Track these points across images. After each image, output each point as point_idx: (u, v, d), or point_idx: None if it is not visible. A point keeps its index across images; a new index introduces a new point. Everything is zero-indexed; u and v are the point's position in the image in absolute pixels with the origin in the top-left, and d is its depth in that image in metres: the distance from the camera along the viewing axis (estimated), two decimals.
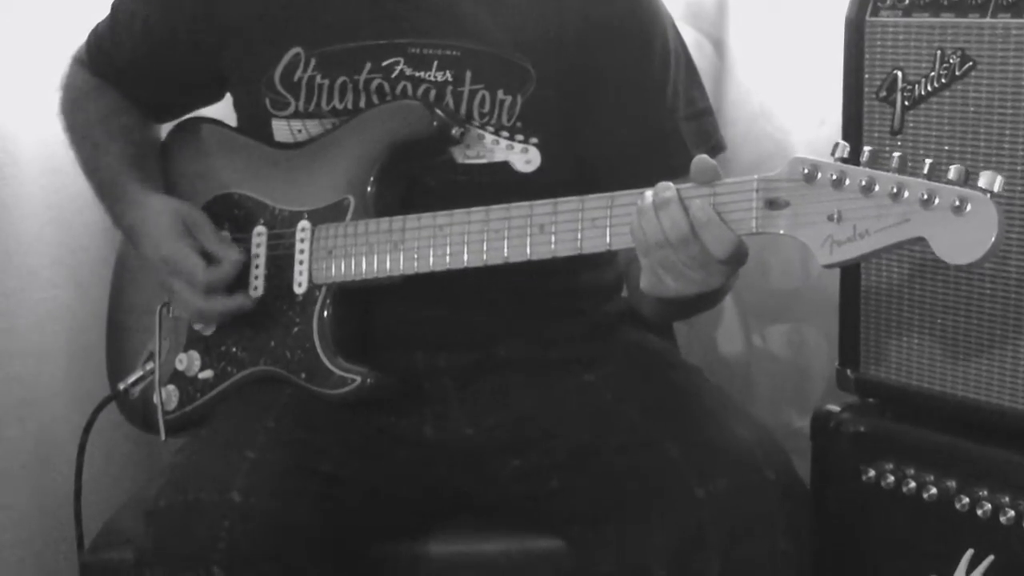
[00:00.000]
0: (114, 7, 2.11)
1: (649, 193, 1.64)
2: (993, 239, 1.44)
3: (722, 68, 2.36)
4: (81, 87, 2.13)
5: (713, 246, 1.60)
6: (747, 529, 1.71)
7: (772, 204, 1.57)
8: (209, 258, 1.93)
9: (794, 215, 1.56)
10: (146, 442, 2.30)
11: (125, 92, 2.11)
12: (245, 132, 2.03)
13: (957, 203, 1.45)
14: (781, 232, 1.57)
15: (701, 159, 1.62)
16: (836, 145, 1.54)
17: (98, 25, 2.14)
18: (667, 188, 1.64)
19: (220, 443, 1.84)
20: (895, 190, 1.48)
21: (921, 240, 1.48)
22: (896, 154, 1.51)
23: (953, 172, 1.46)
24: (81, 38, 2.16)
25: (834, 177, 1.52)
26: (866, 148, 1.52)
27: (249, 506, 1.72)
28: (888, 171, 1.50)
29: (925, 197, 1.47)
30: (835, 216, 1.52)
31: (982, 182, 1.45)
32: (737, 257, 1.62)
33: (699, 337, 2.38)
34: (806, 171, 1.54)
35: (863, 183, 1.50)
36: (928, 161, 1.49)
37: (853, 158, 1.53)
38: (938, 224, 1.46)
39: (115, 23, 2.11)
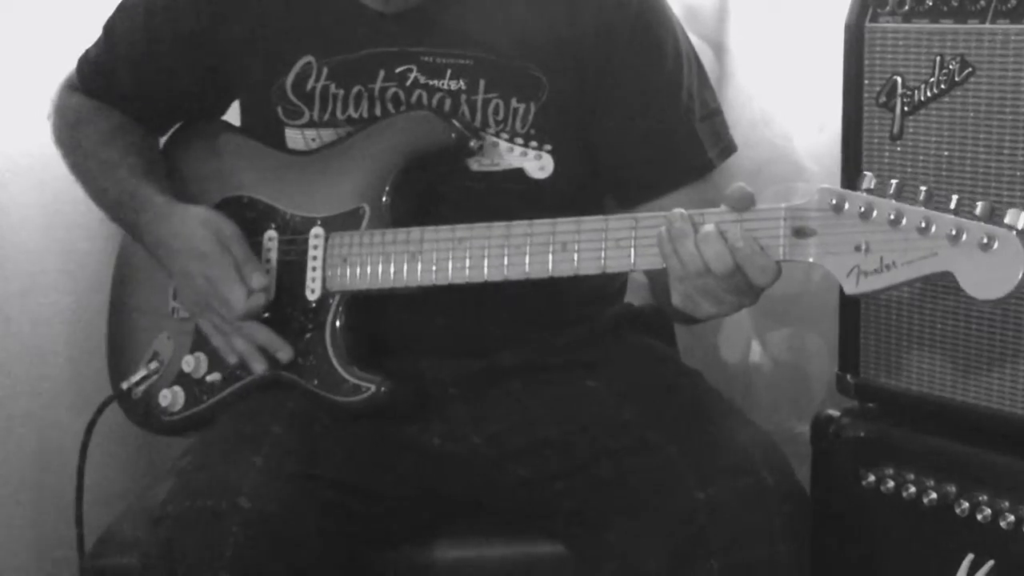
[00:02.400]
0: (108, 29, 2.07)
1: (680, 223, 1.63)
2: (1020, 276, 1.46)
3: (722, 73, 2.34)
4: (79, 110, 2.08)
5: (756, 276, 1.61)
6: (747, 533, 1.72)
7: (799, 233, 1.58)
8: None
9: (821, 244, 1.57)
10: (148, 444, 2.29)
11: (126, 111, 2.07)
12: (254, 136, 2.01)
13: (985, 240, 1.47)
14: (810, 260, 1.58)
15: (739, 187, 1.62)
16: (863, 176, 1.56)
17: (88, 51, 2.10)
18: (683, 218, 1.63)
19: (227, 449, 1.84)
20: (923, 224, 1.50)
21: (948, 274, 1.50)
22: (923, 188, 1.53)
23: (980, 208, 1.49)
24: (71, 45, 2.12)
25: (862, 209, 1.53)
26: (893, 181, 1.54)
27: (257, 512, 1.72)
28: (915, 204, 1.52)
29: (953, 233, 1.48)
30: (862, 247, 1.54)
31: (1008, 219, 1.47)
32: (775, 281, 1.63)
33: (700, 341, 2.37)
34: (834, 202, 1.55)
35: (891, 216, 1.52)
36: (955, 197, 1.51)
37: (880, 189, 1.55)
38: (965, 259, 1.48)
39: (111, 44, 2.07)
